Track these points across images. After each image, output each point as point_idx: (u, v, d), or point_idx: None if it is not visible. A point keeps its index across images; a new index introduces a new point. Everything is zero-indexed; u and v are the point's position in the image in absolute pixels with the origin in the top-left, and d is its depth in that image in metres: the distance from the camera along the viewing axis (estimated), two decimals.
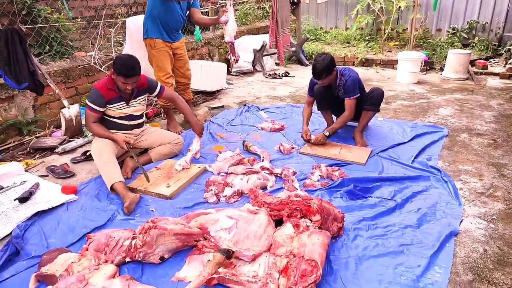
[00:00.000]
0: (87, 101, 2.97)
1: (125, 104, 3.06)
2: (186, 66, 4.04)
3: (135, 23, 4.20)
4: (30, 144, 3.67)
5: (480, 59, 6.72)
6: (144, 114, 3.33)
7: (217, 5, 6.36)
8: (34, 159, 3.47)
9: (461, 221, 2.45)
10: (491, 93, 5.26)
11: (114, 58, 4.46)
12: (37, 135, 3.86)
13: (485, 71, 6.27)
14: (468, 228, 2.39)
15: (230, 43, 4.03)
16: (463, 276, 1.99)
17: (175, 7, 3.64)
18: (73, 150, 3.64)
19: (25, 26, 3.79)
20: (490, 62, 6.70)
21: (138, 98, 3.14)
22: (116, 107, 3.03)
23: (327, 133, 3.54)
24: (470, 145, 3.59)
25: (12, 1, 3.88)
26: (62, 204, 2.70)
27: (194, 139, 3.37)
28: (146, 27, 3.69)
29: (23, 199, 2.69)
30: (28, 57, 3.36)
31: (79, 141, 3.76)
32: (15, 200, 2.70)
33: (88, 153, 3.40)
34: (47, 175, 3.17)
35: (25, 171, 3.20)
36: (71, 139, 3.82)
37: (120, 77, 2.84)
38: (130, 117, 3.16)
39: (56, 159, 3.49)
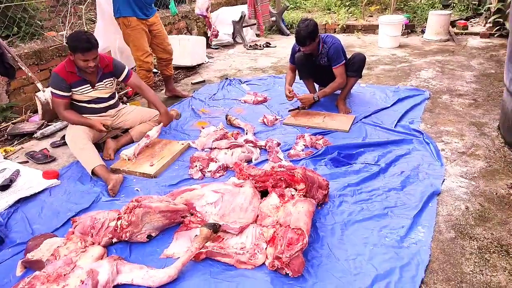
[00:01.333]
0: (50, 88, 2.83)
1: (91, 87, 2.93)
2: (165, 41, 3.91)
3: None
4: (7, 130, 3.57)
5: (461, 19, 6.69)
6: (115, 94, 3.21)
7: None
8: (13, 146, 3.38)
9: (443, 181, 2.49)
10: (472, 53, 5.27)
11: None
12: (14, 121, 3.74)
13: (466, 31, 6.26)
14: (450, 187, 2.43)
15: (202, 16, 3.88)
16: (446, 234, 2.05)
17: None
18: (52, 134, 3.55)
19: None
20: (470, 22, 6.69)
21: (104, 81, 2.98)
22: (80, 91, 2.89)
23: (316, 97, 3.49)
24: (452, 106, 3.62)
25: None
26: (44, 190, 2.65)
27: (155, 127, 3.12)
28: (117, 5, 3.51)
29: (4, 187, 2.63)
30: None
31: (58, 124, 3.66)
32: None
33: None
34: (27, 161, 3.10)
35: (4, 158, 3.12)
36: (49, 123, 3.72)
37: (79, 54, 2.68)
38: (99, 100, 3.02)
39: (36, 144, 3.40)
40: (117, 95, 3.23)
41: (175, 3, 5.58)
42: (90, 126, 2.93)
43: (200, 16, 3.86)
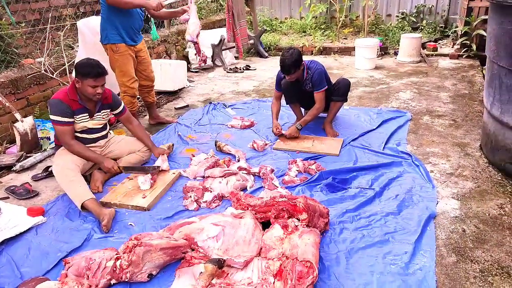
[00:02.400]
0: (51, 116, 2.73)
1: (88, 117, 2.87)
2: (149, 68, 3.87)
3: (88, 25, 3.95)
4: None
5: (430, 41, 7.03)
6: (107, 125, 3.14)
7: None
8: None
9: (437, 203, 2.55)
10: (444, 74, 5.52)
11: (70, 64, 4.20)
12: None
13: (436, 52, 6.57)
14: (444, 209, 2.49)
15: (192, 43, 3.89)
16: (448, 258, 2.08)
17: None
18: (32, 166, 3.39)
19: None
20: (439, 43, 7.04)
21: (102, 112, 2.97)
22: (78, 119, 2.83)
23: (299, 126, 3.55)
24: (433, 127, 3.75)
25: None
26: (30, 228, 2.50)
27: (160, 158, 3.15)
28: (106, 32, 3.45)
29: None
30: None
31: (38, 156, 3.50)
32: None
33: (50, 169, 3.17)
34: (8, 197, 2.93)
35: None
36: (29, 155, 3.55)
37: (90, 80, 2.67)
38: (92, 131, 2.96)
39: (15, 178, 3.23)
40: (108, 126, 3.14)
41: (155, 28, 5.58)
42: (99, 163, 2.88)
43: (192, 43, 3.85)
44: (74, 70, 2.79)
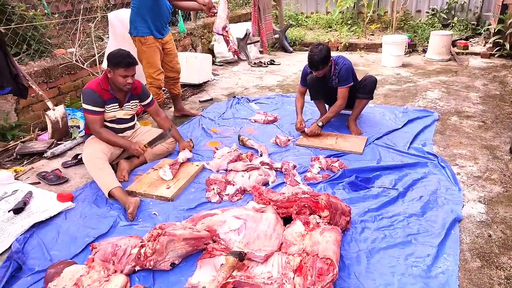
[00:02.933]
0: (84, 105, 2.83)
1: (118, 107, 2.96)
2: (175, 60, 3.94)
3: (118, 17, 4.03)
4: (16, 149, 3.52)
5: (461, 39, 6.82)
6: (135, 116, 3.23)
7: None
8: (23, 166, 3.32)
9: (462, 207, 2.50)
10: (475, 74, 5.36)
11: (100, 55, 4.31)
12: (23, 140, 3.70)
13: (467, 51, 6.38)
14: (470, 213, 2.44)
15: (219, 35, 3.91)
16: (472, 263, 2.04)
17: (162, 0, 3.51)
18: (62, 153, 3.51)
19: (3, 28, 3.58)
20: (470, 41, 6.82)
21: (131, 102, 3.05)
22: (109, 108, 2.92)
23: (320, 123, 3.52)
24: (461, 128, 3.65)
25: None
26: (59, 213, 2.60)
27: (182, 152, 3.17)
28: (135, 25, 3.53)
29: (17, 210, 2.58)
30: (10, 61, 3.18)
31: (68, 143, 3.62)
32: (9, 211, 2.58)
33: (79, 156, 3.29)
34: (39, 182, 3.05)
35: (14, 179, 3.07)
36: (59, 142, 3.68)
37: (121, 69, 2.75)
38: (120, 121, 3.05)
39: (46, 164, 3.36)
40: (135, 117, 3.22)
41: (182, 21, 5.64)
42: (126, 147, 2.96)
43: (217, 34, 3.90)
44: (106, 60, 2.87)
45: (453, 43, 6.49)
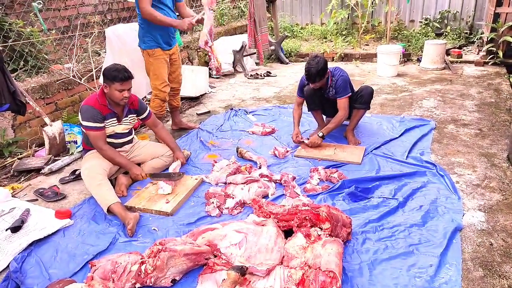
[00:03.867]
0: (83, 123, 2.82)
1: (117, 122, 2.96)
2: (178, 71, 3.98)
3: (115, 33, 4.06)
4: (13, 166, 3.50)
5: (454, 47, 6.90)
6: (132, 130, 3.23)
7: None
8: (20, 183, 3.30)
9: (463, 215, 2.49)
10: (469, 82, 5.41)
11: (97, 70, 4.32)
12: (20, 156, 3.68)
13: (460, 59, 6.44)
14: (471, 222, 2.44)
15: (202, 48, 3.97)
16: (475, 272, 2.03)
17: (167, 11, 3.54)
18: (60, 169, 3.49)
19: (1, 45, 3.59)
20: (463, 50, 6.90)
21: (129, 116, 3.06)
22: (107, 123, 2.92)
23: (321, 134, 3.53)
24: (458, 137, 3.67)
25: None
26: (58, 230, 2.57)
27: (174, 163, 3.20)
28: (143, 39, 3.59)
29: (15, 228, 2.55)
30: (8, 77, 3.18)
31: (65, 159, 3.61)
32: (6, 230, 2.56)
33: (77, 172, 3.27)
34: (37, 199, 3.03)
35: (12, 196, 3.04)
36: (56, 158, 3.67)
37: (117, 84, 2.76)
38: (118, 135, 3.05)
39: (43, 180, 3.33)
40: (133, 132, 3.22)
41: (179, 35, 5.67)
42: (128, 169, 2.97)
43: (204, 49, 3.96)
44: (102, 76, 2.88)
45: (447, 52, 6.57)
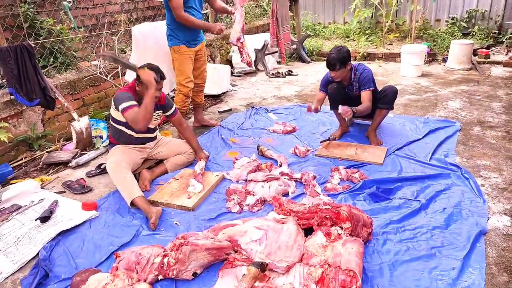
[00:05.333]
0: (120, 106, 2.79)
1: None
2: (203, 67, 4.05)
3: (141, 31, 4.14)
4: (42, 159, 3.63)
5: (482, 48, 6.72)
6: (157, 128, 3.29)
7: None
8: (48, 175, 3.43)
9: (487, 219, 2.44)
10: (497, 83, 5.26)
11: (122, 68, 4.42)
12: (48, 150, 3.81)
13: (488, 60, 6.27)
14: (496, 226, 2.39)
15: (233, 45, 4.02)
16: (499, 277, 2.00)
17: (194, 12, 3.63)
18: (86, 163, 3.60)
19: (33, 42, 3.73)
20: (491, 50, 6.71)
21: (155, 112, 3.11)
22: None
23: (355, 110, 3.29)
24: (485, 139, 3.58)
25: (14, 14, 3.83)
26: (84, 222, 2.67)
27: (200, 163, 3.23)
28: (170, 37, 3.73)
29: (44, 219, 2.66)
30: (39, 73, 3.31)
31: (91, 153, 3.72)
32: (36, 220, 2.67)
33: (102, 166, 3.37)
34: (64, 191, 3.14)
35: (41, 188, 3.17)
36: (83, 152, 3.78)
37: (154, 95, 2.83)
38: (146, 129, 3.10)
39: (71, 173, 3.45)
40: (157, 129, 3.29)
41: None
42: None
43: (234, 45, 4.02)
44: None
45: (474, 52, 6.40)
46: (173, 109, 3.25)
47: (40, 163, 3.61)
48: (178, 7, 3.47)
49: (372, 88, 3.43)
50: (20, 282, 2.19)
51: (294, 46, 7.17)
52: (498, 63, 6.16)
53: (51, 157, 3.64)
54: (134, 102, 2.84)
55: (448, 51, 6.28)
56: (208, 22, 6.58)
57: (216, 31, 3.69)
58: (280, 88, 5.75)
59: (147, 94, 2.79)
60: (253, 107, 4.82)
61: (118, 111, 2.85)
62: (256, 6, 8.17)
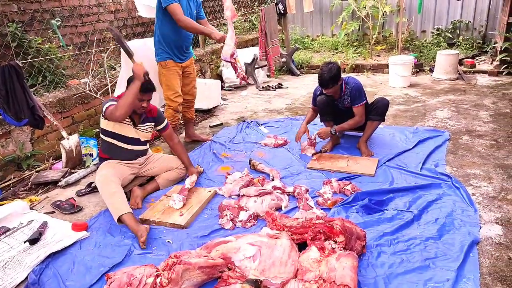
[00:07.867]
0: (105, 106, 2.88)
1: (133, 125, 3.04)
2: (192, 83, 4.07)
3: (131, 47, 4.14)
4: (31, 179, 3.57)
5: (467, 57, 6.85)
6: (147, 142, 3.28)
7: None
8: (37, 195, 3.37)
9: (480, 228, 2.46)
10: (483, 92, 5.36)
11: (112, 84, 4.41)
12: (37, 169, 3.76)
13: (474, 69, 6.39)
14: (488, 235, 2.40)
15: (226, 61, 4.02)
16: (493, 287, 2.00)
17: None
18: (76, 182, 3.55)
19: (21, 61, 3.71)
20: (477, 60, 6.84)
21: (145, 124, 3.13)
22: (122, 122, 2.98)
23: (333, 130, 3.49)
24: (474, 148, 3.63)
25: (1, 34, 3.81)
26: (74, 243, 2.62)
27: (190, 178, 3.16)
28: (157, 52, 3.75)
29: (33, 241, 2.60)
30: (27, 93, 3.28)
31: (81, 172, 3.67)
32: (25, 242, 2.61)
33: (93, 185, 3.33)
34: (54, 212, 3.08)
35: (30, 208, 3.11)
36: (73, 171, 3.74)
37: (139, 93, 2.85)
38: (131, 141, 3.09)
39: (60, 193, 3.40)
40: (148, 143, 3.28)
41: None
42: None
43: (225, 61, 4.02)
44: (126, 82, 2.98)
45: (460, 62, 6.52)
46: (165, 123, 3.26)
47: (29, 183, 3.55)
48: (178, 11, 3.44)
49: (365, 102, 3.48)
50: None
51: (284, 59, 7.23)
52: (484, 72, 6.28)
53: (40, 177, 3.59)
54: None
55: (434, 62, 6.39)
56: (199, 46, 6.64)
57: (219, 39, 3.67)
58: (270, 101, 5.78)
59: (131, 86, 2.85)
60: (244, 121, 4.83)
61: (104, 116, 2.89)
62: (245, 21, 8.26)
